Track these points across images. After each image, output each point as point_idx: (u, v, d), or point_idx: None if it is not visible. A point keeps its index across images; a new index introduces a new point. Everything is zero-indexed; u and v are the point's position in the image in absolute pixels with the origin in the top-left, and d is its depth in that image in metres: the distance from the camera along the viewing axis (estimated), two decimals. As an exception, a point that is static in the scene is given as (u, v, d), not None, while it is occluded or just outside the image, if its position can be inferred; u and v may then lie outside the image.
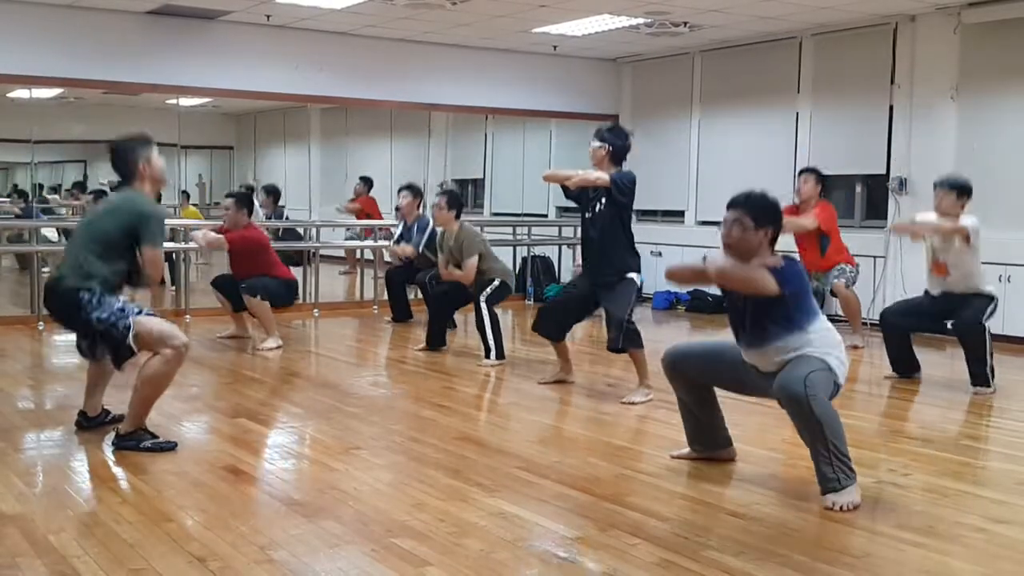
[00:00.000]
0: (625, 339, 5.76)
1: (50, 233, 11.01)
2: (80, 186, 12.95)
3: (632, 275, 5.87)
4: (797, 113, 9.87)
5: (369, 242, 11.25)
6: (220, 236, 7.53)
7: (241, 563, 3.20)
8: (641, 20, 9.24)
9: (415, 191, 8.81)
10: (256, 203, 9.67)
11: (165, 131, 10.54)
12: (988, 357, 6.18)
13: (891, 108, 9.12)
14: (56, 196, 12.88)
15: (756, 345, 4.04)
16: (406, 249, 8.67)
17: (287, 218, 10.56)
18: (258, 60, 9.68)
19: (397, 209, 9.22)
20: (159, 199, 9.06)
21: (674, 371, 4.40)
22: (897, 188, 8.94)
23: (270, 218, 10.42)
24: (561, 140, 12.31)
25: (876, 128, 9.21)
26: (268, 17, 9.26)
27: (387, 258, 11.20)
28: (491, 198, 13.10)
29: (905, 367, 6.63)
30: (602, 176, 5.80)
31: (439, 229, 7.73)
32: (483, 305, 7.09)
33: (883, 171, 9.18)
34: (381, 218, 11.06)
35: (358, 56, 10.19)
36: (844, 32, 9.39)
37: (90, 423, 4.91)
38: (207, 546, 3.34)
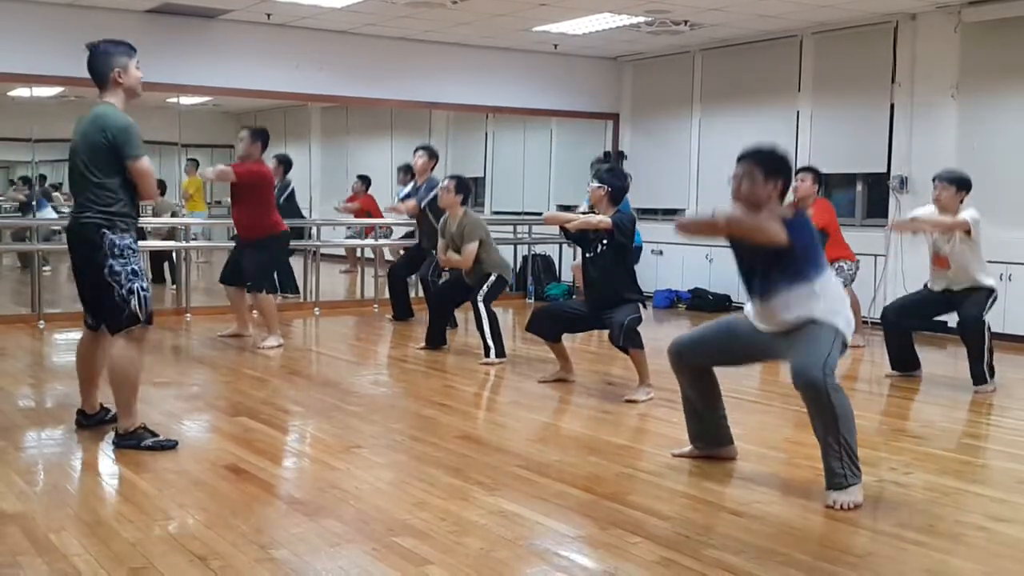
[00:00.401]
0: (625, 338, 5.77)
1: (50, 214, 11.03)
2: None
3: (637, 303, 5.91)
4: (798, 112, 9.87)
5: (370, 241, 11.25)
6: (228, 168, 7.54)
7: (242, 562, 3.19)
8: (642, 19, 9.24)
9: (431, 152, 8.75)
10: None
11: (165, 130, 10.54)
12: (987, 354, 6.18)
13: (892, 107, 9.12)
14: (59, 194, 12.87)
15: (766, 296, 4.01)
16: (409, 203, 8.61)
17: (292, 190, 10.45)
18: (258, 59, 9.69)
19: (408, 170, 9.15)
20: (163, 191, 8.98)
21: (681, 361, 4.38)
22: (898, 187, 8.94)
23: (277, 187, 10.27)
24: (561, 139, 12.31)
25: (877, 127, 9.21)
26: (268, 16, 9.26)
27: (387, 256, 11.23)
28: (492, 197, 13.09)
29: (906, 365, 6.63)
30: (604, 220, 5.83)
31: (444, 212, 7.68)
32: (480, 305, 7.08)
33: (884, 169, 9.18)
34: (381, 216, 11.05)
35: (358, 55, 10.19)
36: (845, 31, 9.39)
37: (89, 421, 4.91)
38: (208, 545, 3.34)
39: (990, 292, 6.22)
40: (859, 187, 9.65)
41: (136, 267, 4.55)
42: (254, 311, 7.93)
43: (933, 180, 6.37)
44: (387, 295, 9.35)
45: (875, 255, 8.96)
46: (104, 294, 4.52)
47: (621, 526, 3.60)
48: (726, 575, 3.16)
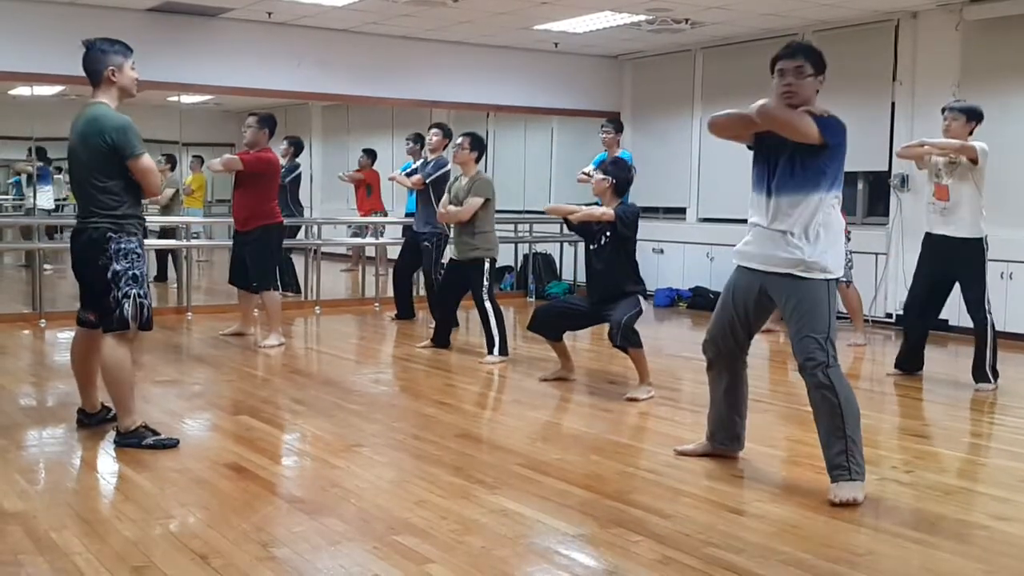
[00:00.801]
0: (623, 337, 5.75)
1: (45, 196, 11.02)
2: None
3: (638, 295, 5.91)
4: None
5: (371, 240, 11.26)
6: (235, 156, 7.55)
7: (243, 560, 3.19)
8: (642, 17, 9.24)
9: (446, 130, 8.71)
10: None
11: (166, 128, 10.54)
12: (990, 354, 6.17)
13: (893, 105, 9.12)
14: (60, 178, 12.85)
15: (779, 192, 3.96)
16: (415, 177, 8.58)
17: (300, 173, 10.44)
18: (259, 57, 9.68)
19: (417, 139, 9.21)
20: (172, 166, 8.89)
21: (718, 354, 4.35)
22: (899, 185, 8.93)
23: (284, 168, 10.26)
24: (562, 137, 12.30)
25: (878, 125, 9.20)
26: (269, 14, 9.26)
27: (388, 255, 11.23)
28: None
29: (912, 366, 6.61)
30: (607, 212, 5.83)
31: (454, 175, 7.61)
32: (486, 301, 7.05)
33: (885, 168, 9.17)
34: (380, 192, 11.04)
35: (359, 53, 10.19)
36: (846, 29, 9.38)
37: (90, 420, 4.91)
38: (209, 543, 3.34)
39: (983, 252, 6.14)
40: (860, 185, 9.65)
41: (137, 272, 4.53)
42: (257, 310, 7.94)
43: (942, 111, 6.35)
44: (389, 293, 9.35)
45: (876, 253, 8.96)
46: (101, 293, 4.52)
47: (622, 525, 3.59)
48: (727, 574, 3.16)
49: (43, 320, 8.43)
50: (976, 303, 6.17)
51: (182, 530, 3.50)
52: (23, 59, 8.67)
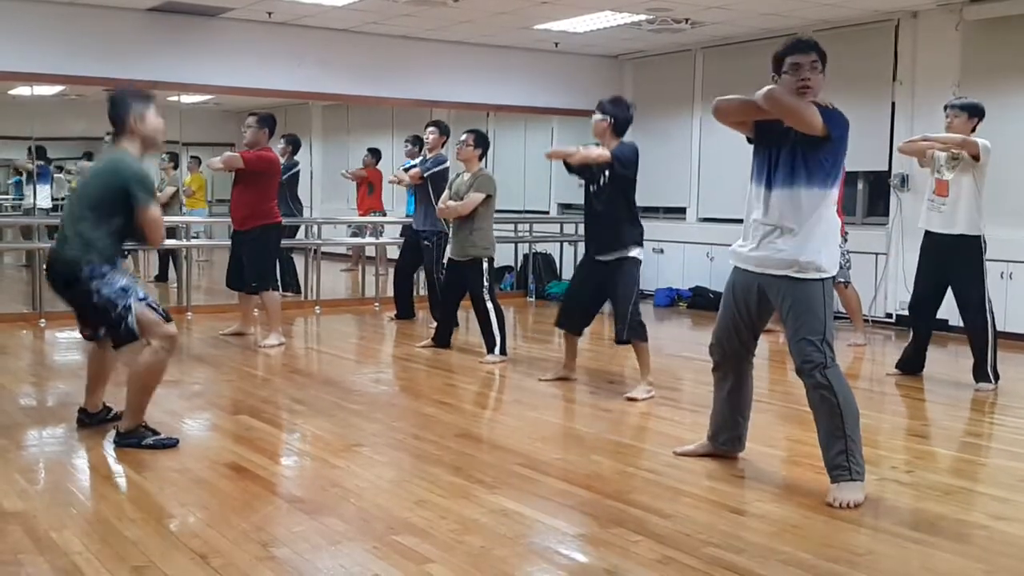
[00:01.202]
0: (630, 330, 5.78)
1: (44, 195, 11.03)
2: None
3: (634, 252, 5.88)
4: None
5: (371, 239, 11.26)
6: (236, 154, 7.54)
7: (243, 560, 3.20)
8: (643, 17, 9.24)
9: (442, 128, 8.72)
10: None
11: (166, 128, 10.52)
12: (991, 355, 6.17)
13: (893, 105, 9.12)
14: (61, 175, 12.86)
15: (778, 186, 3.96)
16: (413, 171, 8.56)
17: (298, 171, 10.45)
18: (260, 57, 9.68)
19: (416, 141, 9.21)
20: (175, 165, 8.81)
21: (724, 356, 4.34)
22: (899, 185, 8.93)
23: (283, 166, 10.26)
24: (563, 137, 12.27)
25: (878, 125, 9.20)
26: (270, 14, 9.26)
27: (391, 256, 11.25)
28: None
29: (914, 367, 6.60)
30: (604, 153, 5.80)
31: (454, 171, 7.60)
32: (487, 300, 7.04)
33: (885, 168, 9.17)
34: (382, 191, 11.04)
35: (360, 53, 10.19)
36: (846, 28, 9.38)
37: (91, 420, 4.91)
38: (209, 543, 3.34)
39: (980, 251, 6.14)
40: (860, 185, 9.65)
41: (124, 284, 4.50)
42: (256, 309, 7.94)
43: (944, 108, 6.35)
44: (389, 293, 9.35)
45: (876, 253, 8.96)
46: (101, 314, 4.52)
47: (622, 524, 3.59)
48: (727, 574, 3.16)
49: (43, 320, 8.43)
50: (977, 306, 6.15)
51: (182, 530, 3.50)
52: (23, 59, 8.66)
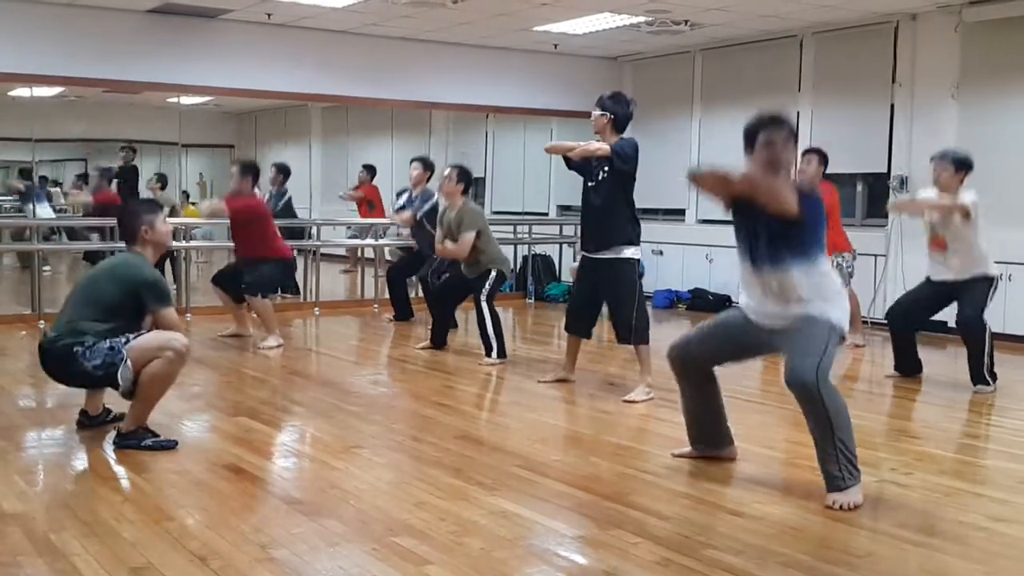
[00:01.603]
0: (635, 335, 5.80)
1: (45, 212, 11.05)
2: (83, 178, 12.92)
3: (628, 252, 5.86)
4: (798, 112, 9.86)
5: (370, 241, 11.25)
6: (220, 203, 7.58)
7: (242, 561, 3.20)
8: (642, 19, 9.24)
9: (426, 164, 8.78)
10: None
11: (166, 130, 10.55)
12: (987, 358, 6.16)
13: (892, 107, 9.12)
14: (58, 189, 12.87)
15: (766, 266, 3.96)
16: (404, 215, 8.65)
17: (289, 198, 10.50)
18: (259, 59, 9.68)
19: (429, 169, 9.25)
20: (163, 186, 8.95)
21: (684, 365, 4.35)
22: (898, 186, 8.93)
23: (273, 196, 10.33)
24: (562, 138, 12.25)
25: (877, 126, 9.21)
26: (269, 16, 9.26)
27: (387, 256, 11.24)
28: (492, 197, 13.09)
29: (908, 368, 6.61)
30: (603, 147, 5.80)
31: (442, 205, 7.67)
32: (484, 304, 7.07)
33: (884, 169, 9.18)
34: (383, 206, 11.05)
35: (359, 55, 10.19)
36: (845, 30, 9.39)
37: (91, 422, 4.92)
38: (208, 545, 3.34)
39: (990, 283, 6.15)
40: (859, 187, 9.65)
41: (108, 345, 4.53)
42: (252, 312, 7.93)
43: (931, 160, 6.29)
44: (387, 295, 9.36)
45: (875, 255, 8.96)
46: (110, 379, 4.56)
47: (621, 526, 3.60)
48: (726, 575, 3.16)
49: (42, 321, 8.42)
50: (975, 316, 6.13)
51: (181, 531, 3.50)
52: (23, 60, 8.66)
